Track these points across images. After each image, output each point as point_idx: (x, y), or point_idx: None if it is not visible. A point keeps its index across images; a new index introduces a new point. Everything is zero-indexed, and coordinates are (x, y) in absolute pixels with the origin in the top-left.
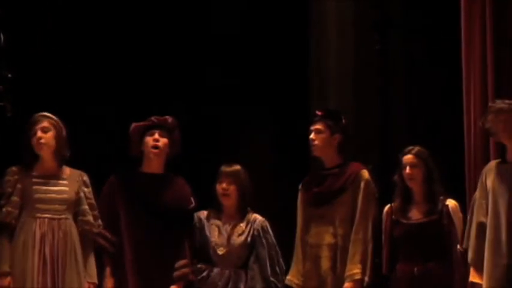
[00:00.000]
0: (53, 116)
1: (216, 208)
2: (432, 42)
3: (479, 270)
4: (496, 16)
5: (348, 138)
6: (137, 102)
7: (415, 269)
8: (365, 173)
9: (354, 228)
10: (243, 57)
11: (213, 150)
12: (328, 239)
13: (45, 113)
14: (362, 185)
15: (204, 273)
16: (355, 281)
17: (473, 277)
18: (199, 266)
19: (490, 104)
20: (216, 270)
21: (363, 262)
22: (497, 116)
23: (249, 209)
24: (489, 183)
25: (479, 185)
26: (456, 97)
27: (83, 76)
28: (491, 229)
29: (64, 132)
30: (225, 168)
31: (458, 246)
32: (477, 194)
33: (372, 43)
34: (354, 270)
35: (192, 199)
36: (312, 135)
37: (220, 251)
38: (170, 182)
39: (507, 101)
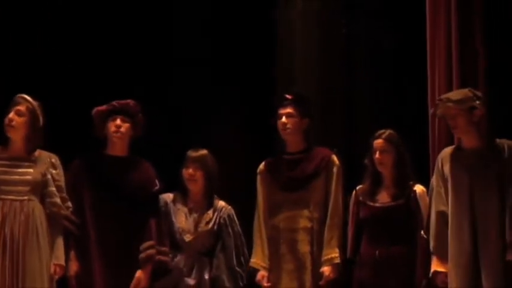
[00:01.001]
0: (34, 102)
1: (182, 192)
2: (398, 26)
3: (442, 259)
4: (461, 2)
5: (315, 123)
6: (105, 84)
7: (377, 252)
8: (336, 158)
9: (329, 213)
10: (209, 40)
11: (178, 134)
12: (304, 223)
13: (27, 97)
14: (334, 170)
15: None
16: (333, 265)
17: (436, 266)
18: (163, 249)
19: (437, 101)
20: (180, 256)
21: (340, 247)
22: (446, 112)
23: (215, 196)
24: (446, 170)
25: (435, 172)
26: (421, 82)
27: (52, 58)
28: (453, 217)
29: (40, 121)
30: (191, 153)
31: (422, 232)
32: (434, 181)
33: (338, 27)
34: (333, 254)
35: (156, 181)
36: (283, 119)
37: (187, 238)
38: (134, 164)
39: (453, 97)
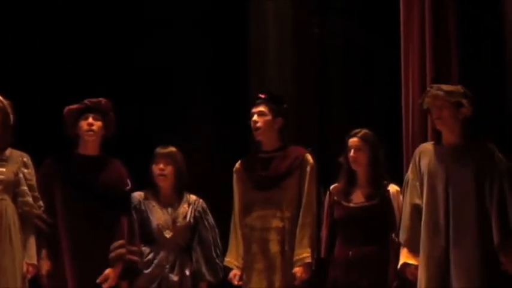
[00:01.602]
0: (4, 101)
1: (152, 190)
2: (371, 25)
3: (413, 251)
4: (435, 1)
5: (288, 121)
6: (76, 82)
7: (350, 252)
8: (310, 157)
9: (301, 212)
10: (183, 38)
11: (149, 132)
12: (276, 222)
13: None
14: (308, 169)
15: (150, 256)
16: (305, 265)
17: (406, 258)
18: (143, 248)
19: (428, 88)
20: (162, 253)
21: (312, 246)
22: (433, 101)
23: (184, 190)
24: (424, 165)
25: (411, 166)
26: (395, 82)
27: (21, 57)
28: (428, 211)
29: (10, 120)
30: (161, 150)
31: (393, 235)
32: (410, 175)
33: (311, 26)
34: (304, 254)
35: (128, 181)
36: (254, 117)
37: (167, 234)
38: (106, 163)
39: (444, 87)
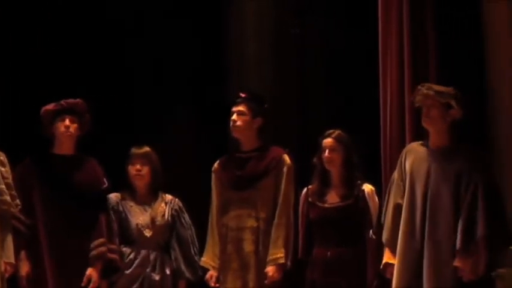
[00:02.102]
0: None
1: (128, 190)
2: (350, 25)
3: (394, 251)
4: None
5: (268, 122)
6: (52, 82)
7: (328, 253)
8: (287, 158)
9: (277, 212)
10: (161, 37)
11: (126, 132)
12: (251, 222)
13: None
14: (285, 169)
15: (131, 256)
16: (278, 265)
17: (387, 258)
18: (124, 249)
19: (419, 86)
20: (143, 252)
21: (286, 246)
22: (423, 100)
23: (160, 190)
24: (408, 164)
25: (398, 165)
26: (374, 83)
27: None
28: (406, 211)
29: None
30: (136, 150)
31: (371, 232)
32: (395, 174)
33: (291, 26)
34: (278, 254)
35: (104, 180)
36: (234, 116)
37: (147, 233)
38: (82, 162)
39: (435, 87)
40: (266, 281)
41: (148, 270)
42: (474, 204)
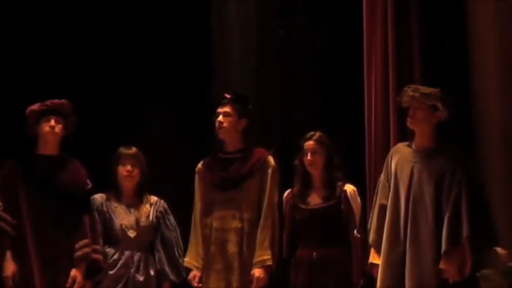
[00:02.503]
0: None
1: (113, 191)
2: (334, 26)
3: (379, 252)
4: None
5: (252, 123)
6: (38, 83)
7: (314, 253)
8: (271, 159)
9: (262, 214)
10: (145, 39)
11: (108, 133)
12: (235, 223)
13: None
14: (270, 171)
15: (115, 256)
16: (264, 267)
17: (373, 258)
18: (108, 249)
19: (406, 87)
20: (127, 253)
21: (272, 248)
22: (410, 101)
23: (146, 191)
24: (393, 165)
25: (384, 166)
26: (358, 83)
27: None
28: (390, 212)
29: None
30: (126, 151)
31: (356, 232)
32: (382, 175)
33: (274, 27)
34: (265, 256)
35: (88, 181)
36: (220, 117)
37: (131, 234)
38: (66, 163)
39: (422, 89)
40: (253, 284)
41: (132, 270)
42: (458, 205)
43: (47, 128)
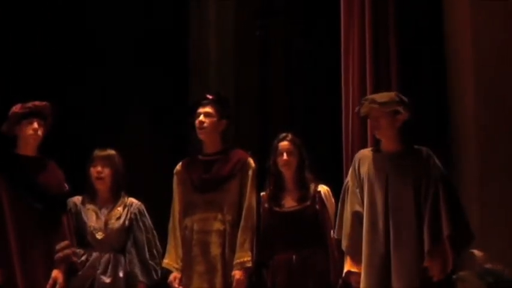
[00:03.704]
0: None
1: (89, 193)
2: (312, 28)
3: (356, 259)
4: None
5: (231, 124)
6: (16, 82)
7: (294, 256)
8: (251, 161)
9: (243, 215)
10: (124, 38)
11: (88, 134)
12: (217, 225)
13: None
14: (250, 173)
15: (83, 257)
16: (244, 269)
17: (349, 266)
18: (78, 250)
19: (362, 100)
20: (95, 254)
21: (252, 250)
22: (369, 112)
23: (123, 192)
24: (363, 171)
25: (351, 172)
26: (335, 85)
27: None
28: (367, 217)
29: None
30: (98, 153)
31: (332, 233)
32: (349, 182)
33: (252, 28)
34: (245, 257)
35: (65, 183)
36: (201, 118)
37: (99, 236)
38: (45, 164)
39: (378, 99)
40: (233, 285)
41: (98, 272)
42: (437, 205)
43: (29, 131)
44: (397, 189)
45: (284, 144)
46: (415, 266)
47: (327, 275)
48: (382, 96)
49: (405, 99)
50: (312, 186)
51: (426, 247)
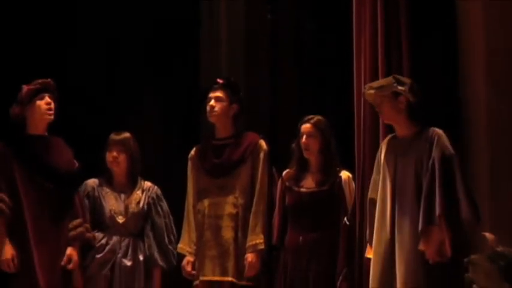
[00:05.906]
0: None
1: (105, 176)
2: (324, 13)
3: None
4: None
5: (243, 109)
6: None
7: (300, 238)
8: (263, 143)
9: (255, 199)
10: (134, 25)
11: (102, 118)
12: (229, 209)
13: None
14: (262, 155)
15: (103, 241)
16: (257, 251)
17: (368, 253)
18: (96, 234)
19: (365, 86)
20: (115, 238)
21: (264, 233)
22: (371, 100)
23: (139, 177)
24: (382, 158)
25: (376, 160)
26: (348, 71)
27: None
28: (379, 204)
29: None
30: (114, 137)
31: (346, 219)
32: (375, 169)
33: (263, 13)
34: (257, 240)
35: (74, 160)
36: (212, 102)
37: (120, 220)
38: (55, 143)
39: (374, 84)
40: (246, 270)
41: (119, 255)
42: (433, 184)
43: (44, 106)
44: (403, 173)
45: (306, 126)
46: (415, 252)
47: (331, 261)
48: (378, 82)
49: (405, 79)
50: (335, 171)
51: (419, 227)
